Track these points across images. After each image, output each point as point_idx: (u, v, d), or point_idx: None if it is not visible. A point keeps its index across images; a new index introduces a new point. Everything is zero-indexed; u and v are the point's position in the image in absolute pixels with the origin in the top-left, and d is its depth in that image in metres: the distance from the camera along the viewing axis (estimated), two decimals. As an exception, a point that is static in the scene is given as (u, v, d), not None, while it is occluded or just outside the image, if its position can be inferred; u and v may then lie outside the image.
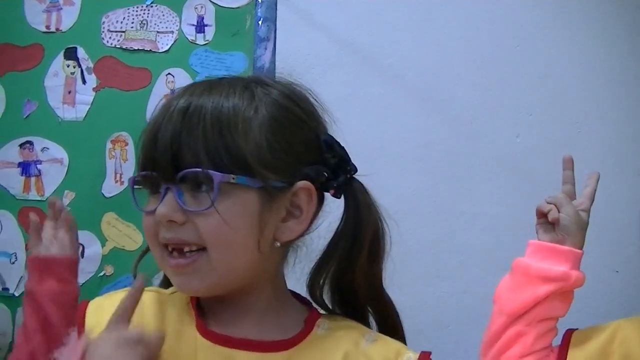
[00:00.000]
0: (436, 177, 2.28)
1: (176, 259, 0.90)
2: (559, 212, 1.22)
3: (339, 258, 0.96)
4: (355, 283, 0.97)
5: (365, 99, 2.38)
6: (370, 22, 2.16)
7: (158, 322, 0.94)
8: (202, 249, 0.89)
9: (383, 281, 1.00)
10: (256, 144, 0.89)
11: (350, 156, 0.98)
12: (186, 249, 0.89)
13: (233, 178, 0.87)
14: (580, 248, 1.21)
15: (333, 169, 0.96)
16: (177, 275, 0.91)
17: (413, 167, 2.37)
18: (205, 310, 0.96)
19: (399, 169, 2.34)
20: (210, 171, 0.86)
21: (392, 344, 0.96)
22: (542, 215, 1.24)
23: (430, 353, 0.95)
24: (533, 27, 2.08)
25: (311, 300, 0.99)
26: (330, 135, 0.98)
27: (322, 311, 0.99)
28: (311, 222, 0.97)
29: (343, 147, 0.98)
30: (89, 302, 0.98)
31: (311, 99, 0.98)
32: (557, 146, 1.91)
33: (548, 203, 1.23)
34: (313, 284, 0.98)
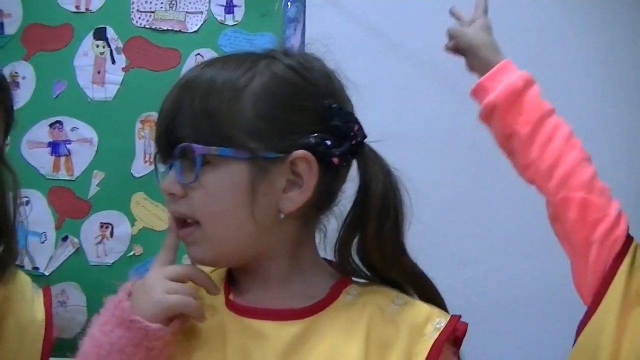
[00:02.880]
0: (460, 163, 2.27)
1: (182, 229, 0.93)
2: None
3: (353, 226, 0.96)
4: (367, 250, 0.96)
5: (391, 83, 2.38)
6: (398, 6, 2.16)
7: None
8: (198, 221, 0.92)
9: (402, 248, 0.98)
10: (244, 114, 0.90)
11: (364, 129, 0.97)
12: (189, 220, 0.92)
13: (215, 150, 0.89)
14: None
15: (338, 136, 0.95)
16: (185, 245, 0.94)
17: (437, 152, 2.36)
18: (237, 283, 0.98)
19: (423, 155, 2.33)
20: (192, 144, 0.89)
21: (422, 308, 0.95)
22: (457, 51, 1.36)
23: (460, 316, 0.95)
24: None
25: (341, 267, 0.99)
26: (336, 103, 0.96)
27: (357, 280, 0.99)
28: (328, 192, 0.96)
29: (350, 114, 0.97)
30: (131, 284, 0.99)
31: (325, 67, 0.98)
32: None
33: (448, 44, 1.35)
34: (340, 254, 0.98)
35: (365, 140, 0.97)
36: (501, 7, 2.08)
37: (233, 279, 0.99)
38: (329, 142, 0.94)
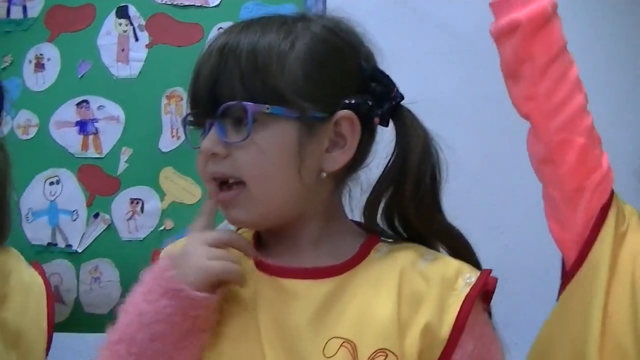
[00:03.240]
0: (492, 130, 2.26)
1: (222, 193, 0.94)
2: None
3: (388, 183, 0.97)
4: (404, 208, 0.98)
5: (419, 52, 2.37)
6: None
7: None
8: (242, 182, 0.92)
9: (438, 205, 1.00)
10: (292, 75, 0.91)
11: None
12: (231, 181, 0.93)
13: (267, 108, 0.90)
14: None
15: (377, 97, 0.97)
16: (224, 208, 0.95)
17: (468, 120, 2.35)
18: (265, 244, 0.99)
19: (453, 123, 2.31)
20: (245, 102, 0.89)
21: (453, 263, 0.96)
22: None
23: (490, 271, 0.96)
24: None
25: (369, 226, 1.00)
26: (374, 65, 0.99)
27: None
28: (362, 153, 0.98)
29: (387, 76, 0.99)
30: (160, 251, 1.03)
31: (357, 30, 0.99)
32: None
33: None
34: (370, 213, 0.99)
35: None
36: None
37: (260, 241, 1.00)
38: (370, 103, 0.96)
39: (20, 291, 1.12)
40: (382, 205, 0.99)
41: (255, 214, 0.94)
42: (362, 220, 1.01)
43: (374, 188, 0.99)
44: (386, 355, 0.90)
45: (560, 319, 1.18)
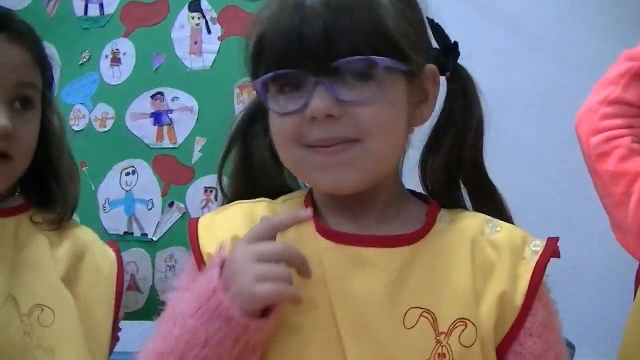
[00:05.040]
0: (561, 124, 2.22)
1: (329, 156, 0.88)
2: None
3: (453, 135, 0.96)
4: (462, 168, 0.97)
5: (486, 49, 2.35)
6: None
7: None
8: (357, 140, 0.88)
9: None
10: (402, 28, 0.89)
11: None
12: (339, 143, 0.88)
13: (394, 63, 0.87)
14: None
15: (444, 52, 0.97)
16: (327, 171, 0.89)
17: (536, 115, 2.32)
18: (323, 213, 0.95)
19: (522, 118, 2.29)
20: (374, 57, 0.86)
21: (517, 231, 0.95)
22: None
23: (557, 239, 0.94)
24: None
25: (426, 192, 0.99)
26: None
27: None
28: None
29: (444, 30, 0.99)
30: (198, 220, 0.97)
31: None
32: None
33: None
34: (424, 170, 0.98)
35: None
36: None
37: (317, 209, 0.96)
38: (445, 57, 0.97)
39: (92, 269, 1.14)
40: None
41: (365, 173, 0.89)
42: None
43: (427, 148, 0.98)
44: (466, 325, 0.88)
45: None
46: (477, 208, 1.00)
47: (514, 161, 2.13)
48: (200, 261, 0.94)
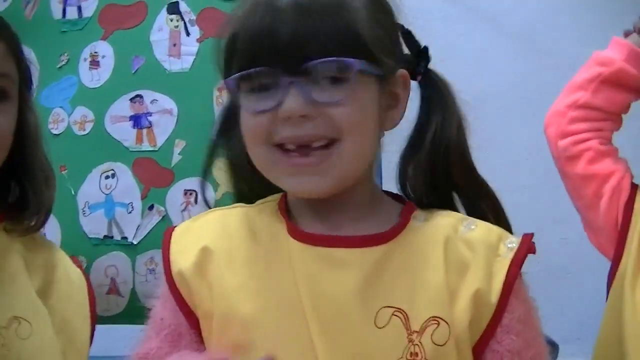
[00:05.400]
0: (546, 122, 2.22)
1: (302, 158, 0.88)
2: None
3: (431, 136, 0.96)
4: (449, 159, 0.96)
5: (471, 48, 2.35)
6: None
7: (248, 237, 0.95)
8: (331, 142, 0.88)
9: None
10: (375, 31, 0.89)
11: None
12: (315, 144, 0.88)
13: (365, 65, 0.87)
14: None
15: (415, 57, 0.98)
16: (300, 175, 0.89)
17: (521, 112, 2.32)
18: (296, 215, 0.95)
19: (508, 117, 2.29)
20: (348, 59, 0.86)
21: (493, 228, 0.95)
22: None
23: (532, 235, 0.94)
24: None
25: (402, 194, 0.99)
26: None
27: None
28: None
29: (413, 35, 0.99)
30: (173, 230, 0.99)
31: None
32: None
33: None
34: (403, 173, 0.98)
35: None
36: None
37: (289, 210, 0.97)
38: (416, 61, 0.97)
39: (65, 281, 1.12)
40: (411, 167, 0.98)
41: (338, 177, 0.89)
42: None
43: (406, 151, 0.98)
44: (438, 323, 0.88)
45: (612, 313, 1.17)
46: (471, 208, 0.99)
47: (499, 159, 2.12)
48: (169, 275, 0.96)
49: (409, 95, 0.95)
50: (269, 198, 1.00)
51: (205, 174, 1.05)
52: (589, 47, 1.94)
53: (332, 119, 0.87)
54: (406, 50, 0.99)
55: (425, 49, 0.99)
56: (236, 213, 0.98)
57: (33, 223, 1.11)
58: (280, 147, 0.89)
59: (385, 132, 0.96)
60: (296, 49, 0.85)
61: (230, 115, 1.01)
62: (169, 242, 0.97)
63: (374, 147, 0.94)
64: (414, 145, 0.97)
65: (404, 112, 0.95)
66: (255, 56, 0.87)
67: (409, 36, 0.98)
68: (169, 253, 0.96)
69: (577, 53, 2.07)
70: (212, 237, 0.95)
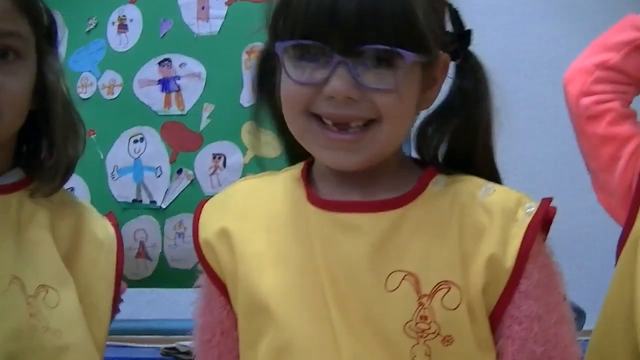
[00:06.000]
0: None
1: (339, 134, 0.89)
2: None
3: (465, 114, 0.96)
4: (474, 142, 0.97)
5: (502, 11, 2.33)
6: None
7: (271, 205, 0.98)
8: (369, 122, 0.89)
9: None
10: (427, 18, 0.89)
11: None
12: (353, 124, 0.89)
13: (418, 57, 0.88)
14: None
15: (458, 38, 0.97)
16: (335, 150, 0.90)
17: (550, 77, 2.28)
18: (318, 182, 0.97)
19: (536, 78, 2.26)
20: (404, 51, 0.86)
21: (512, 193, 0.95)
22: None
23: (551, 199, 0.94)
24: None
25: (418, 155, 1.00)
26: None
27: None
28: None
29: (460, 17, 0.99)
30: (206, 201, 1.04)
31: None
32: None
33: None
34: (424, 144, 0.98)
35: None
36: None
37: (310, 175, 0.99)
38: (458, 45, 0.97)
39: (92, 247, 1.11)
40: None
41: (371, 155, 0.91)
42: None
43: (433, 117, 0.98)
44: (449, 288, 0.89)
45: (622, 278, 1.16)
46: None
47: (527, 123, 2.11)
48: (197, 243, 1.01)
49: (445, 78, 0.96)
50: (293, 167, 1.02)
51: (257, 121, 1.07)
52: (620, 12, 1.92)
53: (375, 104, 0.88)
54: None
55: (469, 31, 0.98)
56: (263, 182, 1.02)
57: (52, 182, 1.09)
58: (318, 117, 0.90)
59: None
60: (355, 30, 0.85)
61: (266, 74, 1.02)
62: (199, 214, 1.02)
63: (408, 128, 0.95)
64: (443, 116, 0.98)
65: (438, 93, 0.96)
66: (311, 28, 0.87)
67: (456, 16, 0.98)
68: (198, 224, 1.01)
69: (606, 18, 2.04)
70: (237, 209, 0.99)
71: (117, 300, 1.12)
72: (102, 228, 1.14)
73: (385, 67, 0.87)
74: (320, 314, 0.90)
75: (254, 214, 0.97)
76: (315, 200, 0.95)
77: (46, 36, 1.10)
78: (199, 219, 1.02)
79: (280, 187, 0.99)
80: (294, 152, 1.03)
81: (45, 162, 1.09)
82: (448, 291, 0.88)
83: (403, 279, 0.89)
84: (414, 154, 1.02)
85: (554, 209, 0.94)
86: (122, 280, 1.12)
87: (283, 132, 1.01)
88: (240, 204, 1.00)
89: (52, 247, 1.07)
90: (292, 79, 0.90)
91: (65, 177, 1.11)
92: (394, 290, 0.89)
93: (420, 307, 0.88)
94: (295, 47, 0.89)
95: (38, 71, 1.07)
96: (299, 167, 1.00)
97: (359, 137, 0.89)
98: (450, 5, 0.97)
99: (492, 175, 0.99)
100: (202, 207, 1.02)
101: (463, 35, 0.98)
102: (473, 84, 0.97)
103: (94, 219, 1.14)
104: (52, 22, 1.13)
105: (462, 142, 0.97)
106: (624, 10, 1.92)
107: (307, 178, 0.98)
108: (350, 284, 0.90)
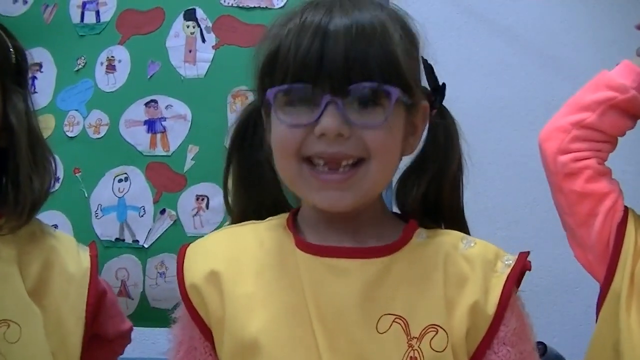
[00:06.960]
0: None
1: (330, 174, 0.92)
2: None
3: (433, 168, 1.01)
4: (442, 195, 1.01)
5: (484, 60, 2.36)
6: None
7: (258, 251, 0.99)
8: (360, 160, 0.92)
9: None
10: (407, 61, 0.93)
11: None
12: (344, 162, 0.92)
13: (402, 95, 0.92)
14: None
15: (432, 92, 1.02)
16: (326, 190, 0.93)
17: (537, 125, 2.31)
18: (305, 229, 1.00)
19: (523, 128, 2.29)
20: (389, 87, 0.91)
21: (491, 246, 1.00)
22: None
23: (528, 253, 0.99)
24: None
25: (402, 212, 1.04)
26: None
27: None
28: None
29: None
30: (188, 245, 1.04)
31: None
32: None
33: None
34: (404, 194, 1.02)
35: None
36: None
37: (296, 222, 1.02)
38: (436, 95, 1.02)
39: (62, 279, 1.10)
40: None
41: (362, 195, 0.94)
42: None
43: (409, 172, 1.02)
44: (437, 331, 0.93)
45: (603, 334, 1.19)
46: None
47: (513, 172, 2.13)
48: (182, 288, 1.00)
49: (425, 126, 1.00)
50: (278, 216, 1.05)
51: (226, 184, 1.09)
52: (606, 61, 1.95)
53: (364, 141, 0.91)
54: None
55: (443, 85, 1.03)
56: (247, 229, 1.04)
57: (19, 218, 1.08)
58: (308, 160, 0.93)
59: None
60: (343, 71, 0.89)
61: (248, 125, 1.05)
62: (182, 258, 1.02)
63: (395, 169, 0.99)
64: (418, 169, 1.02)
65: (420, 140, 1.01)
66: (300, 73, 0.91)
67: (430, 70, 1.02)
68: (182, 268, 1.01)
69: (593, 67, 2.08)
70: (224, 253, 1.00)
71: (86, 336, 1.10)
72: (74, 261, 1.13)
73: (372, 106, 0.91)
74: (310, 353, 0.93)
75: (242, 258, 0.99)
76: (304, 246, 0.97)
77: (13, 75, 1.10)
78: (182, 264, 1.02)
79: (265, 234, 1.01)
80: (245, 213, 1.06)
81: (10, 198, 1.08)
82: (436, 334, 0.92)
83: (393, 322, 0.93)
84: (395, 209, 1.06)
85: (529, 262, 0.99)
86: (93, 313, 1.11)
87: (245, 188, 1.05)
88: (226, 249, 1.01)
89: (17, 282, 1.06)
90: (284, 123, 0.93)
91: (32, 213, 1.10)
92: (385, 332, 0.92)
93: (410, 348, 0.92)
94: (286, 92, 0.92)
95: (2, 110, 1.07)
96: (282, 217, 1.03)
97: (349, 176, 0.92)
98: (425, 61, 1.01)
99: (459, 222, 1.04)
100: (185, 253, 1.03)
101: (437, 90, 1.03)
102: (443, 139, 1.01)
103: (66, 252, 1.13)
104: (22, 60, 1.13)
105: (431, 190, 1.01)
106: (611, 58, 1.97)
107: (294, 226, 1.00)
108: (341, 324, 0.93)
